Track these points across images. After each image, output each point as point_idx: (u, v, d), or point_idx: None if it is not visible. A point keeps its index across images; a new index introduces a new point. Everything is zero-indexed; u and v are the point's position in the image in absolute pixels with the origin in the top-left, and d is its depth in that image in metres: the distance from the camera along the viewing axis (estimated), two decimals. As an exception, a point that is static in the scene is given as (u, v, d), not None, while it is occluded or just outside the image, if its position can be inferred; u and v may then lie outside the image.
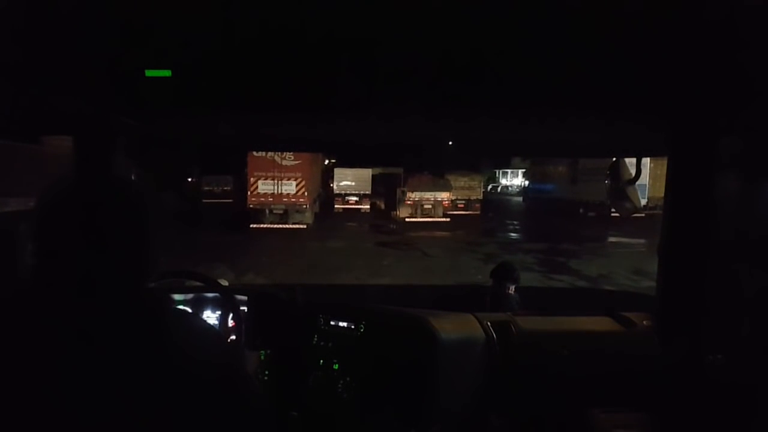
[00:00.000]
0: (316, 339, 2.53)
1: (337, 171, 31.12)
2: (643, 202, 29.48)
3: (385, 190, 30.85)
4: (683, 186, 2.18)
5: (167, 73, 1.49)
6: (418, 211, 27.98)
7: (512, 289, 2.88)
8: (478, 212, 30.65)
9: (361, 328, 2.46)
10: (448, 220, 27.12)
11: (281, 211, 23.80)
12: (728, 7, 1.19)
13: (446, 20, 1.28)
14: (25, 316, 1.20)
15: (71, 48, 1.41)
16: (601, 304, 2.83)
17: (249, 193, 23.91)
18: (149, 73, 1.48)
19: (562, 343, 2.43)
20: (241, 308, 2.47)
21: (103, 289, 1.19)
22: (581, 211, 32.17)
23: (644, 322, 2.38)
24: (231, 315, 2.42)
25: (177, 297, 2.52)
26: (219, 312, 2.51)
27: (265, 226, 22.97)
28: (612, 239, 21.45)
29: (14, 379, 1.13)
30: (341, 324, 2.50)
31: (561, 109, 1.81)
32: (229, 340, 2.31)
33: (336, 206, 31.01)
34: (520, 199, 47.44)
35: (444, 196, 28.72)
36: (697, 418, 1.97)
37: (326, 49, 1.43)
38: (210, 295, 2.55)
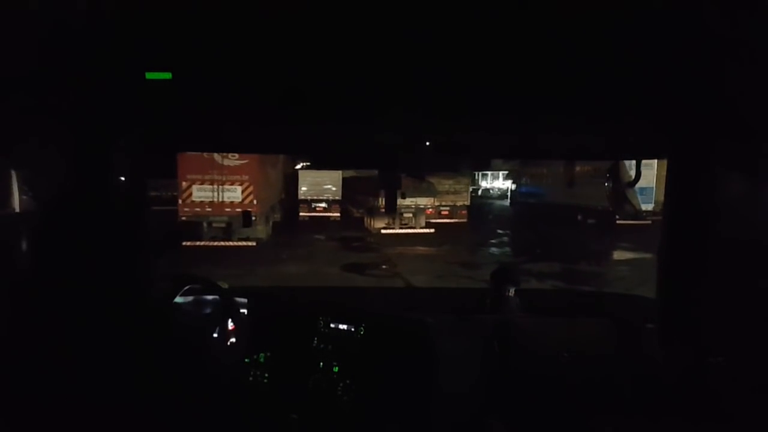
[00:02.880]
0: (316, 341, 2.87)
1: (301, 174, 28.86)
2: (650, 207, 29.24)
3: (359, 196, 28.53)
4: (683, 188, 2.39)
5: (167, 75, 1.63)
6: (397, 221, 26.43)
7: (512, 291, 3.15)
8: (464, 220, 29.81)
9: (361, 330, 2.80)
10: (431, 231, 26.21)
11: (223, 224, 21.03)
12: (728, 10, 1.30)
13: (450, 22, 1.40)
14: (28, 315, 1.46)
15: (71, 50, 1.55)
16: (601, 307, 3.19)
17: (180, 201, 20.95)
18: (150, 75, 1.63)
19: (563, 347, 2.73)
20: (242, 311, 2.85)
21: (106, 290, 1.46)
22: (580, 218, 32.03)
23: (645, 325, 2.62)
24: (231, 318, 2.77)
25: (178, 300, 2.84)
26: (219, 315, 2.83)
27: (201, 243, 20.28)
28: (632, 254, 21.35)
29: (18, 376, 1.38)
30: (341, 327, 2.85)
31: (561, 111, 2.02)
32: (229, 343, 2.67)
33: (301, 214, 29.12)
34: (504, 202, 47.39)
35: (427, 202, 27.69)
36: (698, 421, 2.10)
37: (327, 53, 1.57)
38: (210, 297, 2.91)
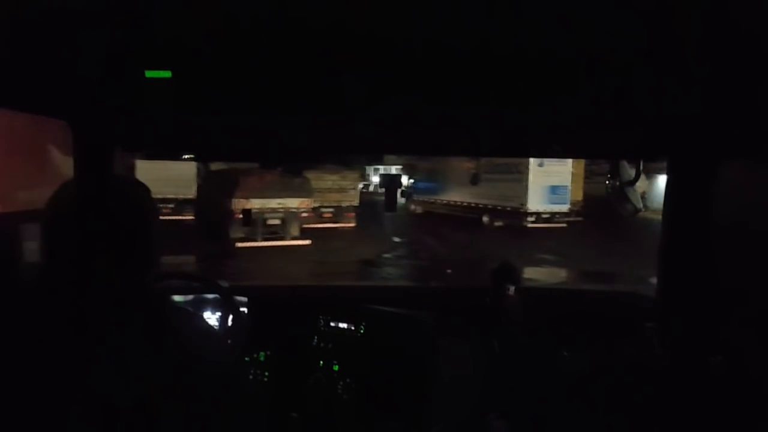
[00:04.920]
0: (316, 340, 3.37)
1: (138, 164, 23.41)
2: (565, 208, 30.00)
3: (218, 197, 25.13)
4: (683, 188, 2.76)
5: (167, 74, 1.80)
6: (260, 231, 23.78)
7: (512, 290, 3.50)
8: (352, 224, 29.11)
9: (362, 329, 3.29)
10: (307, 242, 24.17)
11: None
12: (728, 10, 1.39)
13: (446, 20, 1.52)
14: (33, 316, 1.67)
15: (70, 48, 1.70)
16: (601, 305, 3.73)
17: None
18: (149, 74, 1.79)
19: (562, 344, 3.23)
20: (241, 309, 3.34)
21: (110, 288, 1.71)
22: (486, 220, 32.70)
23: (644, 323, 2.91)
24: (231, 316, 3.28)
25: (177, 298, 3.32)
26: (219, 313, 3.39)
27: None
28: (546, 269, 19.91)
29: (23, 375, 1.58)
30: (341, 325, 3.34)
31: (561, 111, 2.26)
32: (229, 342, 3.15)
33: None
34: (400, 201, 47.13)
35: (300, 203, 25.60)
36: (697, 420, 2.45)
37: (330, 51, 1.73)
38: (210, 296, 3.41)
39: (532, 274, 18.10)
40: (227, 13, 1.49)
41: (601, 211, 37.52)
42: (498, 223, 32.31)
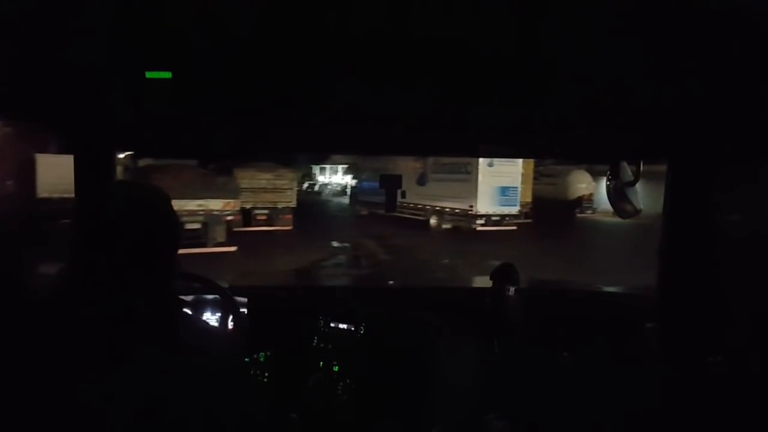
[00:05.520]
0: (316, 341, 3.54)
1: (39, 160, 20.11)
2: (514, 209, 29.93)
3: None
4: (683, 188, 2.85)
5: (168, 75, 1.85)
6: None
7: (512, 290, 3.65)
8: (289, 227, 28.48)
9: (361, 330, 3.47)
10: (232, 249, 23.08)
11: None
12: (727, 10, 1.44)
13: (443, 20, 1.59)
14: (60, 318, 1.76)
15: (70, 49, 1.75)
16: (601, 306, 3.90)
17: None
18: (149, 75, 1.84)
19: (562, 345, 3.43)
20: (242, 310, 3.47)
21: (134, 294, 1.79)
22: (433, 222, 32.31)
23: (644, 324, 3.05)
24: (231, 317, 3.41)
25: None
26: (219, 314, 3.52)
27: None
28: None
29: (34, 376, 1.63)
30: (341, 326, 3.52)
31: (561, 111, 2.28)
32: (228, 342, 3.31)
33: None
34: (344, 200, 48.24)
35: (224, 205, 24.59)
36: (697, 420, 2.53)
37: (329, 50, 1.79)
38: (210, 296, 3.54)
39: (484, 283, 17.17)
40: (227, 14, 1.56)
41: (550, 213, 37.52)
42: (446, 226, 32.08)
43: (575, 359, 3.48)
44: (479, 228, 30.64)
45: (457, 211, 31.25)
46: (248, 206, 27.48)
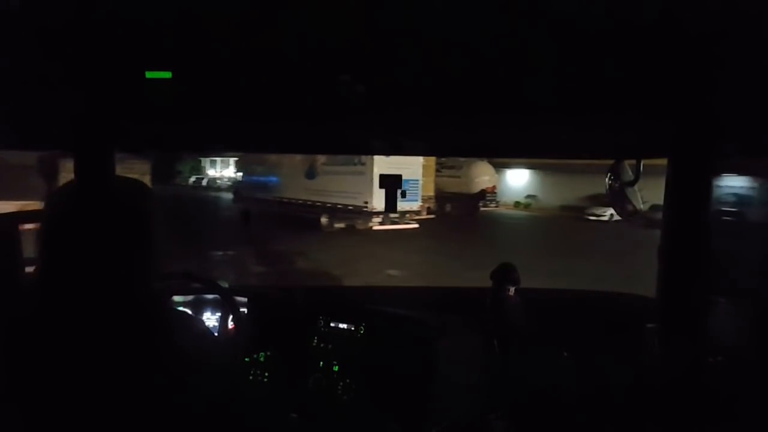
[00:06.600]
0: (316, 340, 3.55)
1: None
2: (416, 205, 28.06)
3: None
4: (683, 188, 2.82)
5: (168, 74, 1.84)
6: None
7: (512, 291, 3.70)
8: None
9: (362, 329, 3.48)
10: None
11: None
12: (727, 9, 1.39)
13: (440, 20, 1.53)
14: (33, 318, 1.78)
15: (69, 49, 1.72)
16: (601, 306, 3.93)
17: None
18: (149, 74, 1.83)
19: (562, 345, 3.45)
20: (241, 310, 3.49)
21: (107, 291, 1.80)
22: (324, 221, 30.26)
23: (645, 325, 3.01)
24: (231, 317, 3.44)
25: (177, 299, 3.53)
26: (219, 314, 3.58)
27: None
28: (395, 271, 19.35)
29: (23, 376, 1.66)
30: (341, 326, 3.53)
31: (560, 109, 2.29)
32: (228, 342, 3.36)
33: None
34: (232, 196, 45.03)
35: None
36: (697, 420, 2.52)
37: (328, 51, 1.76)
38: (210, 296, 3.59)
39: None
40: (227, 14, 1.53)
41: (454, 208, 36.62)
42: (339, 225, 30.23)
43: (575, 359, 3.50)
44: (376, 227, 28.93)
45: (350, 208, 29.30)
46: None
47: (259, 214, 30.45)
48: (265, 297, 3.77)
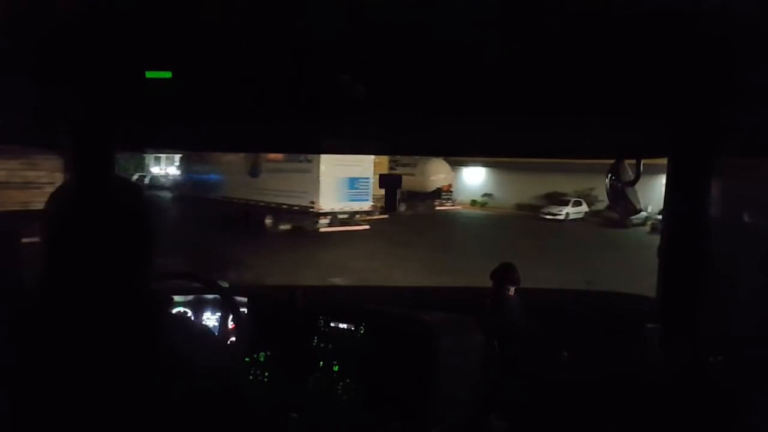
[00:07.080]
0: (316, 340, 3.54)
1: None
2: (367, 205, 26.92)
3: None
4: (683, 188, 2.93)
5: (168, 74, 1.89)
6: None
7: (512, 290, 3.72)
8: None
9: (362, 329, 3.46)
10: None
11: None
12: (728, 7, 1.44)
13: (445, 18, 1.59)
14: (32, 317, 1.75)
15: (70, 49, 1.78)
16: (601, 306, 3.95)
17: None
18: (149, 74, 1.89)
19: (562, 345, 3.46)
20: (241, 310, 3.50)
21: (106, 291, 1.79)
22: (268, 222, 28.94)
23: (645, 324, 3.06)
24: (231, 317, 3.50)
25: (177, 299, 3.54)
26: (219, 314, 3.60)
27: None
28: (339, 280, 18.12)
29: (22, 377, 1.66)
30: (341, 325, 3.52)
31: (561, 110, 2.35)
32: (228, 342, 3.40)
33: None
34: (170, 195, 42.81)
35: None
36: (697, 420, 2.57)
37: (328, 52, 1.83)
38: (210, 296, 3.61)
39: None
40: (227, 14, 1.56)
41: (408, 206, 35.98)
42: (284, 227, 29.01)
43: (575, 359, 3.50)
44: (323, 229, 27.77)
45: (296, 208, 28.05)
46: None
47: (200, 215, 28.65)
48: (265, 297, 3.78)
